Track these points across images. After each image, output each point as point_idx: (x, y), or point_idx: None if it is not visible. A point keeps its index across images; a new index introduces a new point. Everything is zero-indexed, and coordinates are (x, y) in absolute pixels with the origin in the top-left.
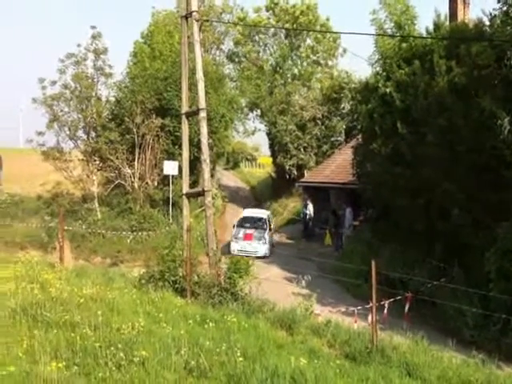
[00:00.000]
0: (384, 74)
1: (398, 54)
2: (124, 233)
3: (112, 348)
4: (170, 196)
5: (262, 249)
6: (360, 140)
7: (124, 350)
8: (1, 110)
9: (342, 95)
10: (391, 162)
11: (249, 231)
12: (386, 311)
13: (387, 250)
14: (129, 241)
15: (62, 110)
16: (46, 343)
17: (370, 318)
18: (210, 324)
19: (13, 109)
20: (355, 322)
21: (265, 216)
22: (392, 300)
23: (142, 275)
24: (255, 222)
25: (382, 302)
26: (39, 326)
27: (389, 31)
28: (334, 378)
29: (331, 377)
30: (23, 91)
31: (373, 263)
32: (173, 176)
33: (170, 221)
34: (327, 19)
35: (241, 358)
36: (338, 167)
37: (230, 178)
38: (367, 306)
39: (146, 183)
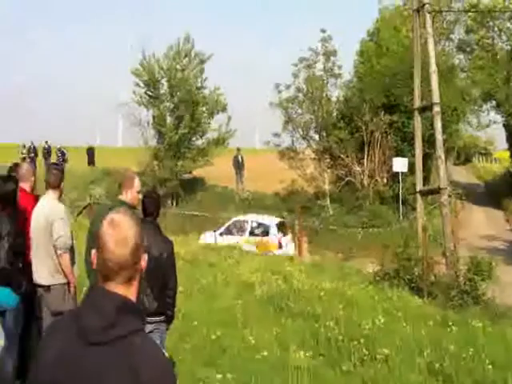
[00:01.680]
0: None
1: None
2: (355, 229)
3: (355, 342)
4: (400, 193)
5: None
6: None
7: (366, 345)
8: (240, 114)
9: None
10: None
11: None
12: None
13: None
14: (359, 237)
15: (295, 112)
16: (292, 332)
17: None
18: (453, 327)
19: (250, 112)
20: None
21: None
22: None
23: (377, 272)
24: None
25: None
26: (285, 316)
27: None
28: None
29: None
30: (259, 95)
31: None
32: (402, 173)
33: (401, 218)
34: None
35: (489, 366)
36: None
37: (462, 174)
38: None
39: (376, 180)
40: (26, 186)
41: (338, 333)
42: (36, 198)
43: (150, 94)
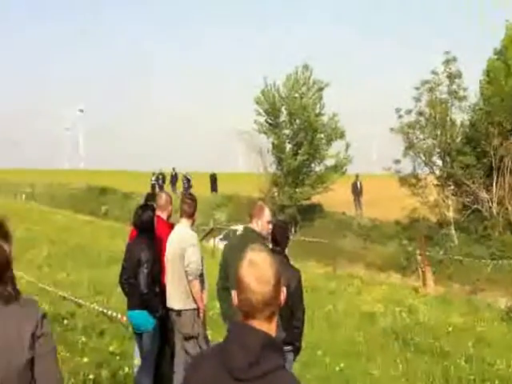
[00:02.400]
0: None
1: None
2: (483, 260)
3: (487, 383)
4: None
5: None
6: None
7: None
8: (358, 139)
9: None
10: None
11: None
12: None
13: None
14: (488, 269)
15: (417, 137)
16: (419, 369)
17: None
18: None
19: (368, 137)
20: None
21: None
22: None
23: (510, 308)
24: None
25: None
26: (410, 351)
27: None
28: None
29: None
30: (377, 121)
31: None
32: None
33: None
34: None
35: None
36: None
37: None
38: None
39: (506, 209)
40: (163, 214)
41: (469, 372)
42: (171, 226)
43: (270, 121)
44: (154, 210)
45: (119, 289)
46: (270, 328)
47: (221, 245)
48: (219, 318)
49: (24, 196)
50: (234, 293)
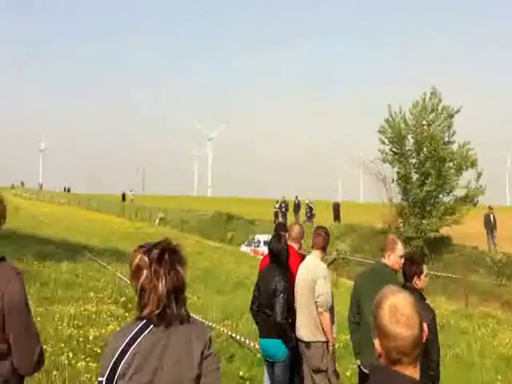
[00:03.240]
0: None
1: None
2: None
3: None
4: None
5: None
6: None
7: None
8: (490, 168)
9: None
10: None
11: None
12: None
13: None
14: None
15: None
16: None
17: None
18: None
19: (500, 167)
20: None
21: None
22: None
23: None
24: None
25: None
26: None
27: None
28: None
29: None
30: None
31: None
32: None
33: None
34: None
35: None
36: None
37: None
38: None
39: None
40: (295, 245)
41: None
42: (302, 257)
43: (395, 150)
44: (286, 240)
45: (247, 315)
46: (414, 371)
47: (243, 249)
48: (344, 350)
49: (158, 221)
50: (376, 342)
